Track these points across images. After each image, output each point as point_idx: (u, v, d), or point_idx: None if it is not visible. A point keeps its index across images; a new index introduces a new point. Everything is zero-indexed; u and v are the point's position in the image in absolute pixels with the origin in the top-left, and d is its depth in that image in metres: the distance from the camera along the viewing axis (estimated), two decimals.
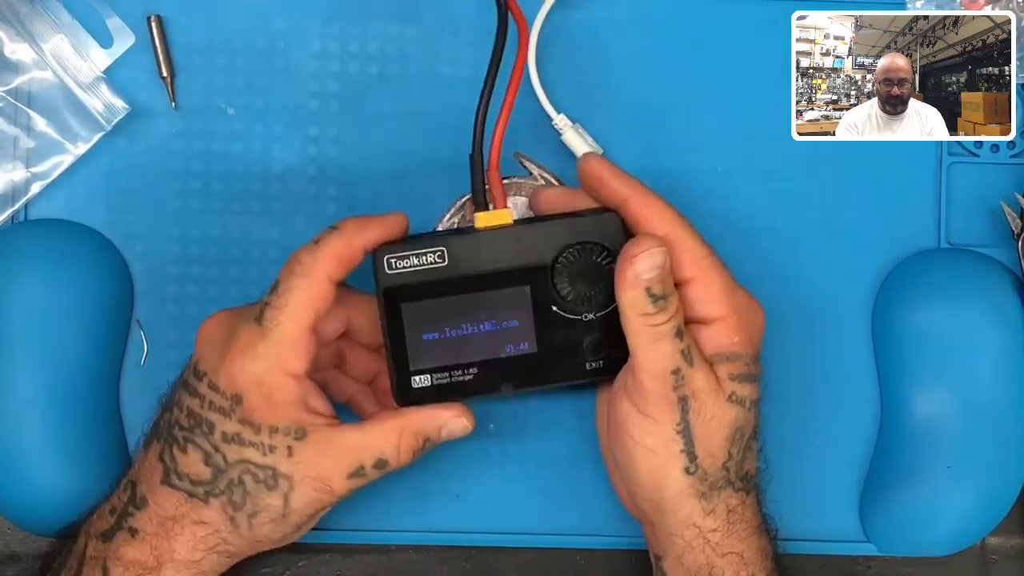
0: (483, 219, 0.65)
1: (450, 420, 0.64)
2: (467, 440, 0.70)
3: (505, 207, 0.66)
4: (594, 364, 0.65)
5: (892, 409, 0.71)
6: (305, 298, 0.61)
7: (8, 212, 0.70)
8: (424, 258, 0.64)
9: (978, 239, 0.73)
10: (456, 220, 0.70)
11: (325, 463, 0.61)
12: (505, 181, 0.70)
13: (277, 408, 0.61)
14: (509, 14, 0.67)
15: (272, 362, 0.61)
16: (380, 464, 0.62)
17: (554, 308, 0.65)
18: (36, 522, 0.69)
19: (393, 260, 0.63)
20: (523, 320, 0.65)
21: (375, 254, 0.63)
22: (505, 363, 0.65)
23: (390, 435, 0.62)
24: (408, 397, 0.64)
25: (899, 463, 0.70)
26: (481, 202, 0.65)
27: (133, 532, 0.61)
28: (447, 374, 0.65)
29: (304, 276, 0.61)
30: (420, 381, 0.64)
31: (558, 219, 0.65)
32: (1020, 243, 0.71)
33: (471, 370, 0.65)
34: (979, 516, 0.71)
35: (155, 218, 0.71)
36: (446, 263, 0.64)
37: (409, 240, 0.64)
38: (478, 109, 0.65)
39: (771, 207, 0.72)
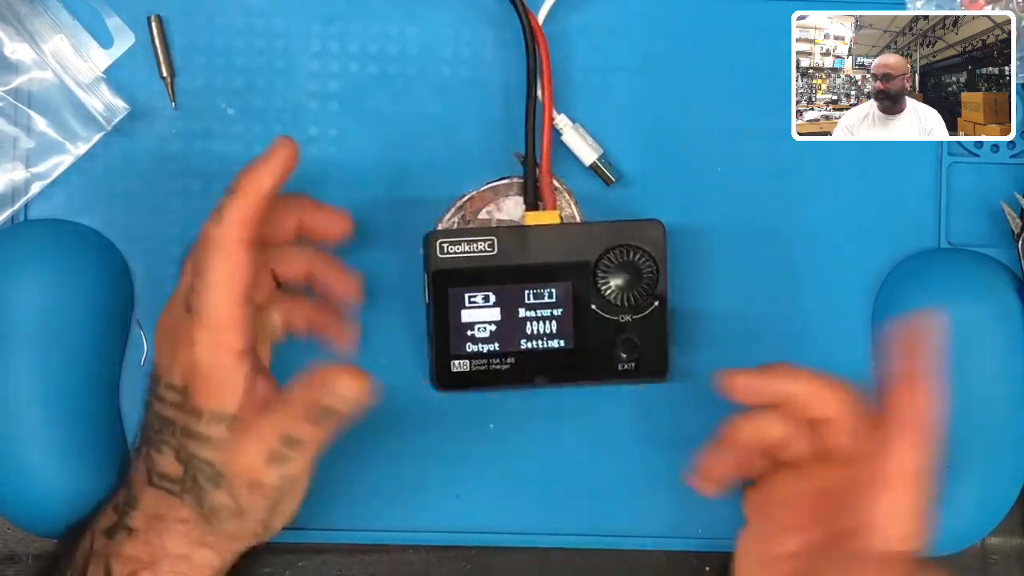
0: (532, 218, 0.68)
1: (343, 382, 0.57)
2: (467, 440, 0.70)
3: (554, 208, 0.68)
4: (627, 366, 0.67)
5: None
6: (225, 273, 0.59)
7: (8, 212, 0.70)
8: (475, 245, 0.66)
9: (978, 239, 0.73)
10: (456, 220, 0.70)
11: (247, 454, 0.59)
12: (504, 181, 0.70)
13: (217, 392, 0.59)
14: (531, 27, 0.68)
15: (209, 344, 0.59)
16: (290, 442, 0.58)
17: (593, 307, 0.67)
18: (36, 522, 0.69)
19: (446, 245, 0.66)
20: (563, 315, 0.66)
21: (429, 237, 0.66)
22: (542, 356, 0.67)
23: (292, 408, 0.58)
24: (447, 381, 0.67)
25: None
26: (532, 201, 0.68)
27: (130, 530, 0.62)
28: (485, 361, 0.66)
29: (217, 251, 0.59)
30: (459, 366, 0.67)
31: (604, 222, 0.68)
32: (1020, 243, 0.71)
33: (508, 359, 0.67)
34: (979, 516, 0.71)
35: (155, 218, 0.71)
36: (495, 252, 0.66)
37: (462, 229, 0.67)
38: (526, 116, 0.68)
39: (771, 207, 0.72)
